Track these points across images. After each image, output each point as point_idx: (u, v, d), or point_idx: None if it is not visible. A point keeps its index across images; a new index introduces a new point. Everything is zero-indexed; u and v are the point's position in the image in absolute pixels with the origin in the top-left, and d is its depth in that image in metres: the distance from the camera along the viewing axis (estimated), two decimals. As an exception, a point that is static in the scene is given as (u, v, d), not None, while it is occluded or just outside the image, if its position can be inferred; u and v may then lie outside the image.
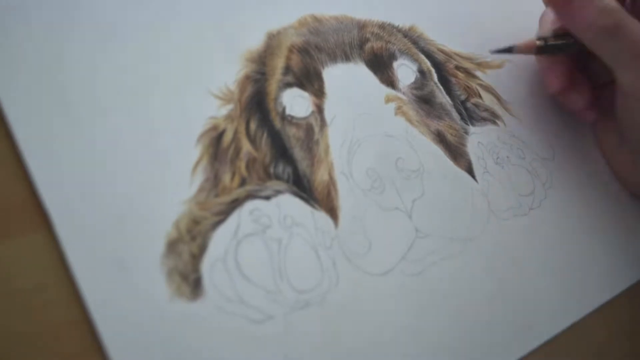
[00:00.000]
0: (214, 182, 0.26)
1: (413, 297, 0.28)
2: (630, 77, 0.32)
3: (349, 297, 0.26)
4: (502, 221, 0.32)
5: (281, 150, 0.29)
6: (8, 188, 0.23)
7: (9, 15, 0.25)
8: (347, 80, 0.32)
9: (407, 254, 0.29)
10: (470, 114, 0.35)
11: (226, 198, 0.26)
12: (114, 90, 0.26)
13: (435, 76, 0.35)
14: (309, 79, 0.31)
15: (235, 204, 0.26)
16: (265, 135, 0.29)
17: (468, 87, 0.36)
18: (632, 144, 0.35)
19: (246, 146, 0.28)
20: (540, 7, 0.37)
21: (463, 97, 0.36)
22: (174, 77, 0.28)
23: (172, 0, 0.29)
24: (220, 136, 0.27)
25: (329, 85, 0.31)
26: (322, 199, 0.28)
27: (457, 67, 0.36)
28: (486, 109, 0.36)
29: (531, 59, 0.39)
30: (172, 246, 0.24)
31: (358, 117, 0.31)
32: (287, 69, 0.31)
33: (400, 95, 0.33)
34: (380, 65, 0.33)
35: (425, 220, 0.30)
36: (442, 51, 0.36)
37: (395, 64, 0.34)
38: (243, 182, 0.27)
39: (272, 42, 0.31)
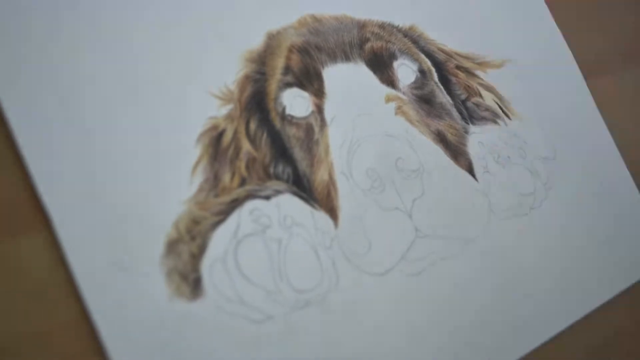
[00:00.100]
0: (213, 182, 0.26)
1: (413, 297, 0.28)
2: None
3: (349, 297, 0.26)
4: (502, 221, 0.32)
5: (281, 150, 0.29)
6: (8, 188, 0.23)
7: (9, 15, 0.25)
8: (347, 80, 0.32)
9: (407, 254, 0.29)
10: (470, 114, 0.35)
11: (226, 198, 0.26)
12: (114, 90, 0.26)
13: (435, 76, 0.35)
14: (308, 79, 0.31)
15: (235, 204, 0.26)
16: (265, 135, 0.29)
17: (468, 86, 0.36)
18: None
19: (246, 146, 0.28)
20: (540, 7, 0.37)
21: (463, 97, 0.36)
22: (174, 77, 0.28)
23: (173, 1, 0.29)
24: (220, 136, 0.27)
25: (329, 85, 0.31)
26: (322, 199, 0.28)
27: (458, 67, 0.36)
28: (487, 109, 0.36)
29: (531, 59, 0.39)
30: (172, 246, 0.24)
31: (358, 117, 0.31)
32: (287, 69, 0.31)
33: (400, 95, 0.33)
34: (381, 65, 0.33)
35: (425, 220, 0.30)
36: (443, 51, 0.36)
37: (396, 64, 0.34)
38: (243, 182, 0.27)
39: (272, 42, 0.31)
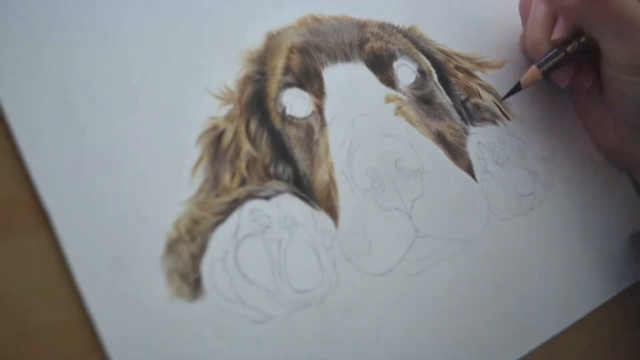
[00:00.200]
0: (214, 182, 0.26)
1: (413, 297, 0.28)
2: (610, 45, 0.32)
3: (349, 297, 0.26)
4: (502, 221, 0.32)
5: (281, 151, 0.29)
6: (8, 188, 0.23)
7: (9, 15, 0.25)
8: (347, 80, 0.32)
9: (407, 254, 0.29)
10: (470, 114, 0.35)
11: (226, 198, 0.26)
12: (114, 90, 0.26)
13: (435, 76, 0.35)
14: (309, 79, 0.31)
15: (235, 204, 0.26)
16: (265, 135, 0.29)
17: (468, 87, 0.36)
18: (621, 114, 0.35)
19: (246, 146, 0.28)
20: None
21: (463, 97, 0.36)
22: (174, 77, 0.28)
23: (173, 1, 0.29)
24: (220, 136, 0.27)
25: (329, 85, 0.31)
26: (322, 199, 0.28)
27: (457, 67, 0.36)
28: (486, 109, 0.36)
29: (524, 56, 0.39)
30: (172, 246, 0.24)
31: (358, 117, 0.31)
32: (287, 69, 0.31)
33: (400, 95, 0.33)
34: (380, 65, 0.33)
35: (425, 220, 0.30)
36: (442, 51, 0.36)
37: (395, 64, 0.34)
38: (243, 182, 0.27)
39: (272, 42, 0.31)
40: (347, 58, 0.32)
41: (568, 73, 0.36)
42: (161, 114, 0.27)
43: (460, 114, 0.35)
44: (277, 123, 0.29)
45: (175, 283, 0.24)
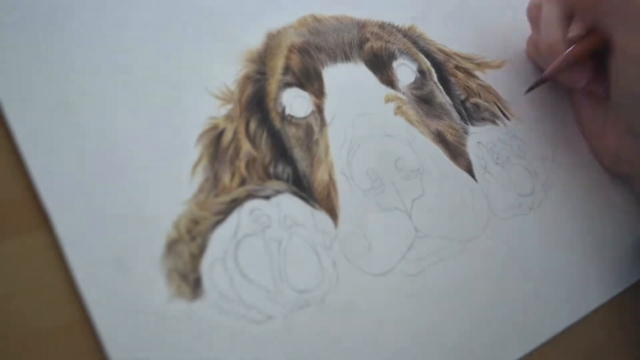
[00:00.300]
0: (213, 182, 0.26)
1: (413, 297, 0.28)
2: (626, 37, 0.32)
3: (349, 297, 0.26)
4: (502, 221, 0.32)
5: (281, 150, 0.29)
6: (8, 188, 0.23)
7: (9, 15, 0.25)
8: (347, 80, 0.32)
9: (407, 254, 0.29)
10: (470, 114, 0.35)
11: (226, 198, 0.26)
12: (114, 90, 0.26)
13: (435, 76, 0.35)
14: (308, 79, 0.31)
15: (235, 203, 0.26)
16: (265, 135, 0.29)
17: (468, 87, 0.36)
18: (624, 115, 0.35)
19: (246, 146, 0.28)
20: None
21: (463, 97, 0.36)
22: (174, 77, 0.28)
23: (173, 1, 0.29)
24: (220, 136, 0.27)
25: (328, 85, 0.31)
26: (322, 199, 0.28)
27: (457, 67, 0.36)
28: (486, 109, 0.36)
29: (530, 59, 0.39)
30: (172, 246, 0.24)
31: (358, 117, 0.31)
32: (287, 69, 0.31)
33: (400, 95, 0.33)
34: (380, 65, 0.33)
35: (425, 220, 0.30)
36: (442, 51, 0.36)
37: (395, 64, 0.34)
38: (243, 182, 0.27)
39: (272, 42, 0.31)
40: (347, 58, 0.33)
41: (586, 72, 0.35)
42: (161, 114, 0.27)
43: (459, 113, 0.35)
44: (276, 123, 0.29)
45: (175, 283, 0.24)
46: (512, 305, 0.30)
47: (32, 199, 0.23)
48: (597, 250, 0.35)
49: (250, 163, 0.28)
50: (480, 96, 0.36)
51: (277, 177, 0.28)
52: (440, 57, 0.36)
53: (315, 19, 0.33)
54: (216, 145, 0.27)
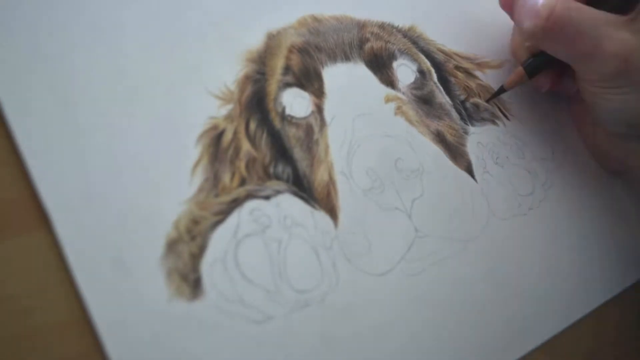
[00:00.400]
0: (213, 182, 0.26)
1: (413, 297, 0.28)
2: (575, 65, 0.32)
3: (349, 297, 0.26)
4: (502, 221, 0.32)
5: (281, 150, 0.29)
6: (8, 188, 0.23)
7: (9, 15, 0.25)
8: (347, 80, 0.32)
9: (406, 254, 0.29)
10: (469, 114, 0.35)
11: (226, 198, 0.26)
12: (114, 90, 0.26)
13: (434, 76, 0.35)
14: (308, 79, 0.31)
15: (235, 203, 0.26)
16: (265, 135, 0.29)
17: (467, 87, 0.36)
18: (601, 123, 0.35)
19: (246, 146, 0.28)
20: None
21: (462, 97, 0.36)
22: (174, 77, 0.28)
23: (173, 1, 0.29)
24: (220, 136, 0.27)
25: (328, 85, 0.31)
26: (322, 199, 0.28)
27: (457, 67, 0.36)
28: (486, 109, 0.36)
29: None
30: (172, 246, 0.24)
31: (358, 117, 0.31)
32: (287, 69, 0.31)
33: (400, 95, 0.33)
34: (380, 65, 0.33)
35: (425, 220, 0.30)
36: (442, 51, 0.36)
37: (395, 64, 0.34)
38: (243, 182, 0.27)
39: (272, 42, 0.31)
40: (346, 58, 0.33)
41: (548, 78, 0.36)
42: (161, 114, 0.27)
43: (459, 113, 0.35)
44: (276, 123, 0.29)
45: (175, 283, 0.24)
46: (512, 305, 0.30)
47: (32, 199, 0.23)
48: (597, 250, 0.35)
49: (250, 163, 0.28)
50: (480, 96, 0.36)
51: (277, 177, 0.28)
52: (440, 57, 0.36)
53: (315, 19, 0.33)
54: (216, 145, 0.27)
